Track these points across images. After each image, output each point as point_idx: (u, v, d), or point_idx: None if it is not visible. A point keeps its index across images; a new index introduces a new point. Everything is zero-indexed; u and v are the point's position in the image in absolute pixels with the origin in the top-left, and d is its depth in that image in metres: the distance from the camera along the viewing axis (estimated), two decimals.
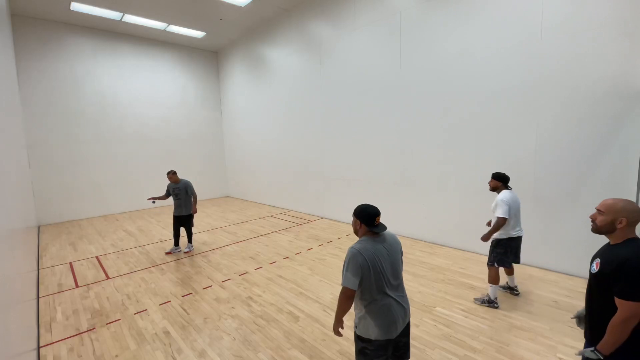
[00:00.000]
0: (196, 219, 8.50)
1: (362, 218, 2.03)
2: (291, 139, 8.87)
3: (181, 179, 5.73)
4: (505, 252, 3.55)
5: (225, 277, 4.68)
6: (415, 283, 4.21)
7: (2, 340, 1.51)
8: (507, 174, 3.69)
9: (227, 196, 12.28)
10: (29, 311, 3.03)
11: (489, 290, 3.59)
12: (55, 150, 8.56)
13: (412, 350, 2.85)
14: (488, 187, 3.82)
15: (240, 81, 10.69)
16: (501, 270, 3.79)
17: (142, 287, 4.41)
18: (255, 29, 9.47)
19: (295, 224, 7.61)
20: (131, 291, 4.30)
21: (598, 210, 1.74)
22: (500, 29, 4.61)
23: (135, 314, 3.71)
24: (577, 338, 2.96)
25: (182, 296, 4.10)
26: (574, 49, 4.00)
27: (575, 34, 3.98)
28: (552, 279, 4.16)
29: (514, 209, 3.48)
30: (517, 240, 3.60)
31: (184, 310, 3.74)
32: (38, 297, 4.23)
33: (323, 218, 8.04)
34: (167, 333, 3.28)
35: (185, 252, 5.75)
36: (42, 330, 3.44)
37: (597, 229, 1.76)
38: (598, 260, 1.72)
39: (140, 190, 10.05)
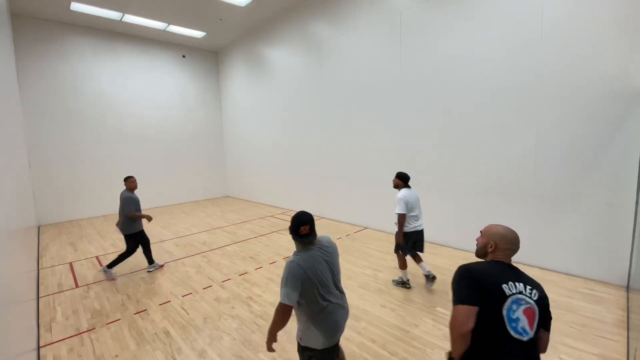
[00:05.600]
0: (196, 218, 8.52)
1: (290, 228, 2.00)
2: (291, 138, 8.87)
3: (123, 191, 4.95)
4: (407, 242, 3.94)
5: (225, 277, 4.68)
6: (415, 283, 4.21)
7: (2, 340, 1.51)
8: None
9: (227, 196, 12.28)
10: (29, 311, 3.03)
11: (401, 273, 4.10)
12: (55, 150, 8.56)
13: (412, 350, 2.88)
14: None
15: (240, 81, 10.68)
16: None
17: (142, 287, 4.41)
18: (255, 29, 9.47)
19: None
20: (131, 291, 4.30)
21: (480, 232, 1.72)
22: (500, 29, 4.61)
23: (135, 314, 3.71)
24: (577, 338, 2.96)
25: (182, 296, 4.10)
26: (574, 48, 4.00)
27: (575, 34, 3.98)
28: (552, 279, 4.16)
29: (412, 206, 3.86)
30: (419, 234, 3.97)
31: (184, 310, 3.74)
32: (38, 297, 4.22)
33: (323, 218, 8.04)
34: (167, 333, 3.28)
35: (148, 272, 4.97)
36: (42, 330, 3.44)
37: (476, 252, 1.72)
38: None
39: (140, 190, 10.03)
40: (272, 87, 9.25)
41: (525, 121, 4.49)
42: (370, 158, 6.76)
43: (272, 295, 4.05)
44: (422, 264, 4.08)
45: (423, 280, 4.18)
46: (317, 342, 1.95)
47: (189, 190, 11.28)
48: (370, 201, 6.88)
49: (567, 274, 4.27)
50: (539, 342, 1.46)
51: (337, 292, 2.06)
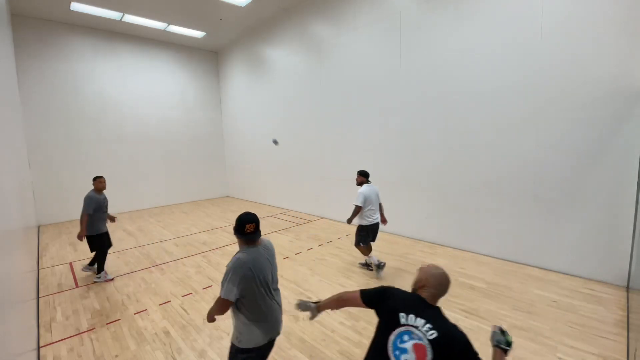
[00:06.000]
0: (196, 218, 8.52)
1: (235, 227, 2.06)
2: (291, 138, 8.87)
3: (90, 191, 4.78)
4: (367, 234, 4.46)
5: None
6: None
7: (2, 340, 1.51)
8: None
9: (227, 196, 12.28)
10: (29, 311, 3.03)
11: (370, 259, 4.53)
12: (55, 150, 8.55)
13: None
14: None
15: (240, 81, 10.68)
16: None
17: (142, 287, 4.41)
18: (255, 29, 9.47)
19: (295, 224, 7.61)
20: (131, 291, 4.30)
21: (420, 268, 1.80)
22: (501, 29, 4.61)
23: (135, 314, 3.71)
24: (577, 338, 2.96)
25: (182, 296, 4.10)
26: (574, 48, 4.00)
27: (575, 34, 3.98)
28: (552, 279, 4.16)
29: (370, 200, 4.33)
30: (375, 226, 4.49)
31: (184, 310, 3.74)
32: (38, 297, 4.22)
33: (323, 218, 8.04)
34: (167, 333, 3.28)
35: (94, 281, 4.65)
36: (42, 330, 3.44)
37: (412, 284, 1.79)
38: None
39: (140, 190, 10.06)
40: (272, 87, 9.25)
41: (525, 121, 4.49)
42: (370, 158, 6.75)
43: None
44: (373, 255, 4.58)
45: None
46: (258, 339, 2.01)
47: (189, 190, 11.28)
48: None
49: (567, 274, 4.27)
50: None
51: (275, 291, 2.17)
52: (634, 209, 3.68)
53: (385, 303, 1.65)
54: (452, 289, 3.93)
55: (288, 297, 3.97)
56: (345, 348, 2.95)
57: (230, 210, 9.64)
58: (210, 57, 11.57)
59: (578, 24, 3.95)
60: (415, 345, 1.45)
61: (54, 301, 4.11)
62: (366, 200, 4.29)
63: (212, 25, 9.10)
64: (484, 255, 5.08)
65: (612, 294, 3.74)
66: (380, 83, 6.32)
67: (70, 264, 5.46)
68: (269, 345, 2.12)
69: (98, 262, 4.67)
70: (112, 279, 4.71)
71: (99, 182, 4.84)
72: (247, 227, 2.02)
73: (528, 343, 2.91)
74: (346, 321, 3.39)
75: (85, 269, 4.87)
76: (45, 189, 8.42)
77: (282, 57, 8.68)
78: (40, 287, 4.56)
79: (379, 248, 5.63)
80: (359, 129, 6.90)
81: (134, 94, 9.82)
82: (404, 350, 1.47)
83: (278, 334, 2.15)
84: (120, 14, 8.11)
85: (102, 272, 4.68)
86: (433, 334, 1.46)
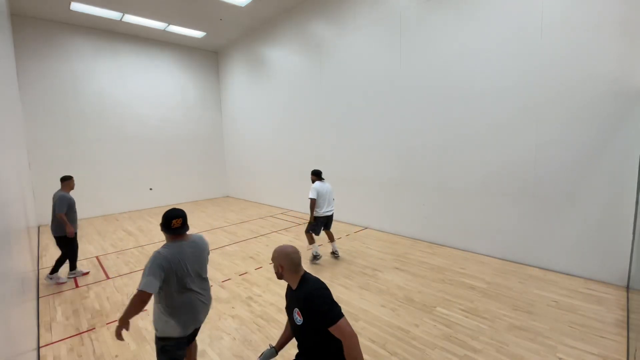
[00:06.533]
0: (196, 218, 8.52)
1: (161, 223, 2.14)
2: (291, 138, 8.87)
3: (58, 191, 4.69)
4: (317, 224, 4.96)
5: (225, 277, 4.68)
6: (415, 283, 4.21)
7: (2, 341, 1.51)
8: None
9: (227, 196, 12.28)
10: (29, 311, 3.03)
11: (312, 250, 5.06)
12: (55, 150, 8.56)
13: (412, 350, 2.89)
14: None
15: (240, 81, 10.69)
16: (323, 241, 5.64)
17: None
18: (255, 29, 9.47)
19: (295, 224, 7.61)
20: (131, 291, 4.30)
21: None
22: (500, 29, 4.61)
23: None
24: (577, 338, 2.96)
25: None
26: (574, 48, 4.00)
27: (575, 34, 3.98)
28: (552, 279, 4.16)
29: (323, 194, 4.88)
30: (327, 217, 5.01)
31: None
32: (38, 297, 4.22)
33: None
34: None
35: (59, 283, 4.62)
36: (42, 330, 3.44)
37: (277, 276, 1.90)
38: (297, 309, 1.77)
39: (140, 190, 10.06)
40: (272, 87, 9.25)
41: (525, 121, 4.49)
42: (370, 158, 6.76)
43: (272, 295, 4.05)
44: (333, 243, 5.18)
45: (431, 279, 4.17)
46: (174, 331, 2.08)
47: (189, 190, 11.28)
48: (370, 201, 6.88)
49: (567, 274, 4.27)
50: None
51: (201, 284, 2.24)
52: (634, 209, 3.68)
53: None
54: (451, 289, 3.96)
55: None
56: None
57: (230, 210, 9.64)
58: (210, 57, 11.57)
59: (578, 23, 3.95)
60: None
61: (54, 301, 4.11)
62: (318, 194, 4.85)
63: (212, 25, 9.10)
64: (484, 255, 5.08)
65: (612, 294, 3.74)
66: (380, 83, 6.32)
67: None
68: (188, 338, 2.22)
69: (60, 263, 4.57)
70: (64, 282, 4.64)
71: (71, 182, 4.80)
72: (173, 223, 2.12)
73: (528, 343, 2.91)
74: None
75: (51, 278, 4.58)
76: (45, 189, 8.40)
77: (282, 57, 8.68)
78: (40, 287, 4.56)
79: (379, 248, 5.63)
80: (358, 128, 6.90)
81: (134, 94, 9.82)
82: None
83: (196, 326, 2.24)
84: (120, 14, 8.11)
85: (56, 274, 4.59)
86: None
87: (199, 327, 2.38)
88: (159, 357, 2.15)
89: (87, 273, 4.95)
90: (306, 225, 5.16)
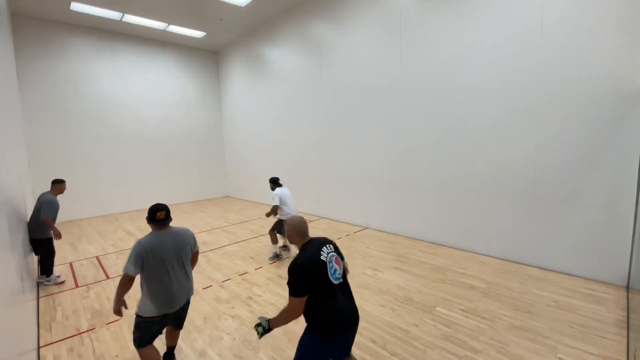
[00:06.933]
0: (196, 218, 8.52)
1: (147, 215, 2.43)
2: (291, 138, 8.87)
3: (45, 193, 4.55)
4: (281, 226, 5.05)
5: (225, 277, 4.68)
6: (415, 283, 4.21)
7: (2, 341, 1.51)
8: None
9: (227, 196, 12.28)
10: (29, 311, 3.03)
11: (272, 249, 5.29)
12: (55, 150, 8.55)
13: (412, 350, 2.89)
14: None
15: (240, 81, 10.69)
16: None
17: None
18: (255, 29, 9.47)
19: None
20: (131, 291, 4.28)
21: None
22: (501, 28, 4.61)
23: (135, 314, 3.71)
24: (577, 338, 2.96)
25: None
26: (574, 48, 4.00)
27: (575, 34, 3.98)
28: (552, 279, 4.16)
29: (284, 199, 5.18)
30: None
31: None
32: (38, 297, 4.22)
33: (323, 218, 8.04)
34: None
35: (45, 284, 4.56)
36: (42, 330, 3.44)
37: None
38: None
39: (140, 190, 10.06)
40: (272, 87, 9.25)
41: (525, 121, 4.49)
42: (370, 158, 6.76)
43: (272, 295, 4.05)
44: (277, 246, 5.38)
45: (431, 279, 4.17)
46: (149, 310, 2.37)
47: (189, 190, 11.28)
48: (370, 201, 6.88)
49: (567, 274, 4.27)
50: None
51: (181, 272, 2.48)
52: (634, 209, 3.68)
53: (312, 277, 1.96)
54: (451, 289, 3.96)
55: (287, 296, 3.96)
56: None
57: (230, 210, 9.64)
58: (210, 57, 11.57)
59: (578, 23, 3.95)
60: (335, 260, 2.11)
61: (54, 301, 4.11)
62: (281, 199, 5.16)
63: (212, 25, 9.10)
64: (484, 255, 5.08)
65: (612, 294, 3.74)
66: (380, 83, 6.32)
67: (70, 264, 5.46)
68: (167, 317, 2.47)
69: (47, 265, 4.50)
70: (63, 281, 4.63)
71: (63, 186, 4.71)
72: (157, 215, 2.42)
73: (528, 343, 2.92)
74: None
75: (44, 280, 4.54)
76: (45, 189, 8.40)
77: (282, 57, 8.68)
78: (40, 287, 4.56)
79: (380, 248, 5.63)
80: (358, 128, 6.90)
81: (134, 94, 9.82)
82: (334, 269, 2.07)
83: (171, 310, 2.45)
84: (120, 14, 8.10)
85: (52, 275, 4.60)
86: (332, 248, 2.16)
87: (184, 316, 2.65)
88: (134, 331, 2.43)
89: (63, 282, 4.63)
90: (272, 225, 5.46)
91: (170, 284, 2.40)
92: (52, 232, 4.44)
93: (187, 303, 2.64)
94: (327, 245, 2.13)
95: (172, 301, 2.43)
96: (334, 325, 1.96)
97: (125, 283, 2.30)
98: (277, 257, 5.29)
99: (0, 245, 1.84)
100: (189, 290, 2.58)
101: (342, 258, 2.22)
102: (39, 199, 4.46)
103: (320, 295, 1.96)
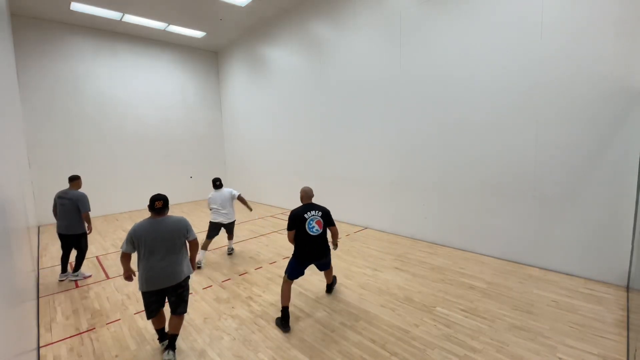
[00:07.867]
0: (196, 218, 8.52)
1: (148, 205, 2.82)
2: (291, 139, 8.87)
3: (69, 190, 4.57)
4: (211, 229, 5.26)
5: (225, 277, 4.68)
6: (415, 283, 4.21)
7: (2, 341, 1.51)
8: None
9: None
10: (29, 311, 3.03)
11: (201, 254, 5.06)
12: (55, 150, 8.56)
13: (412, 350, 2.89)
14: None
15: (240, 81, 10.69)
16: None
17: None
18: (255, 29, 9.47)
19: None
20: (131, 291, 4.30)
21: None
22: (500, 29, 4.61)
23: (135, 314, 3.71)
24: (577, 338, 2.96)
25: None
26: (574, 48, 4.00)
27: (575, 34, 3.98)
28: (552, 279, 4.16)
29: (213, 203, 5.32)
30: (216, 224, 5.26)
31: None
32: (38, 297, 4.23)
33: None
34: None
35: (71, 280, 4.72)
36: (42, 330, 3.44)
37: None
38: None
39: (140, 190, 10.06)
40: (272, 87, 9.25)
41: (525, 121, 4.49)
42: (370, 158, 6.76)
43: (272, 295, 4.05)
44: (230, 241, 5.63)
45: (431, 279, 4.17)
46: (141, 285, 2.73)
47: (189, 190, 11.28)
48: (370, 201, 6.88)
49: (567, 274, 4.27)
50: (326, 234, 3.59)
51: (168, 255, 2.75)
52: (634, 209, 3.68)
53: (295, 222, 3.40)
54: (451, 289, 3.96)
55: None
56: (345, 348, 2.95)
57: None
58: (210, 57, 11.57)
59: (578, 23, 3.95)
60: (317, 222, 3.45)
61: (54, 301, 4.11)
62: (210, 202, 5.35)
63: (212, 25, 9.10)
64: (484, 255, 5.08)
65: (612, 294, 3.74)
66: (380, 83, 6.32)
67: (71, 264, 5.45)
68: (160, 292, 2.77)
69: (82, 259, 4.76)
70: (90, 275, 4.88)
71: (80, 181, 4.79)
72: (156, 204, 2.79)
73: (528, 343, 2.92)
74: (347, 321, 3.39)
75: (69, 275, 4.73)
76: (45, 189, 8.42)
77: (282, 57, 8.68)
78: (40, 287, 4.56)
79: (380, 248, 5.63)
80: (358, 128, 6.90)
81: (134, 94, 9.82)
82: (312, 227, 3.42)
83: (155, 287, 2.72)
84: (120, 14, 8.11)
85: (79, 271, 4.80)
86: (319, 213, 3.49)
87: (177, 301, 2.84)
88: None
89: (90, 276, 4.85)
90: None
91: (156, 265, 2.69)
92: (88, 225, 4.68)
93: (179, 287, 2.83)
94: (315, 211, 3.45)
95: (154, 281, 2.71)
96: (302, 254, 3.43)
97: (122, 257, 2.77)
98: (199, 266, 4.99)
99: (0, 246, 1.84)
100: (176, 275, 2.79)
101: (329, 222, 3.57)
102: (63, 196, 4.50)
103: (299, 236, 3.40)
